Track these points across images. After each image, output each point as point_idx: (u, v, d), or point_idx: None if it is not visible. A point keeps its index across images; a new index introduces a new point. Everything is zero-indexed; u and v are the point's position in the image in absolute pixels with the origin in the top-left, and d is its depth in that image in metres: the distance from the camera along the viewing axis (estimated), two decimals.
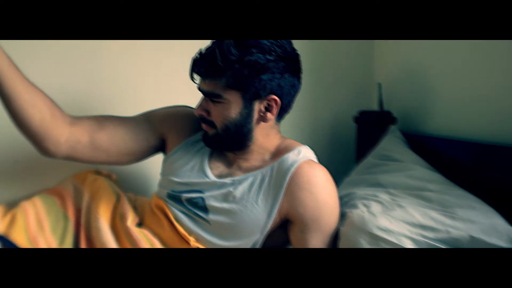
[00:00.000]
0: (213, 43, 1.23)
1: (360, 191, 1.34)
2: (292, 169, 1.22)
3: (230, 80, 1.18)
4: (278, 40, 1.20)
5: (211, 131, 1.26)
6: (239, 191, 1.24)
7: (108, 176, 1.51)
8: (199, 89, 1.25)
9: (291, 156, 1.25)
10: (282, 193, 1.21)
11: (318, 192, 1.21)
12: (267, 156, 1.29)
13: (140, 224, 1.36)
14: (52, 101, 1.23)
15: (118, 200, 1.40)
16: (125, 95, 1.71)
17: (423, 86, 1.77)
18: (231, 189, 1.25)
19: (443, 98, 1.67)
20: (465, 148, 1.47)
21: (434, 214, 1.17)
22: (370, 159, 1.59)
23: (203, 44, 1.27)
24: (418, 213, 1.19)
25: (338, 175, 1.37)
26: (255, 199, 1.23)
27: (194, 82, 1.25)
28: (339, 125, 2.02)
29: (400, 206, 1.23)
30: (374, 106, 1.95)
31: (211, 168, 1.31)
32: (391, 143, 1.62)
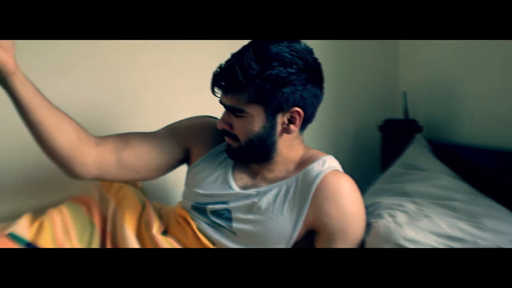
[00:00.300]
0: (232, 57, 1.21)
1: (385, 201, 1.32)
2: (318, 180, 1.21)
3: (252, 95, 1.17)
4: (299, 51, 1.19)
5: (234, 144, 1.26)
6: (264, 202, 1.24)
7: (134, 185, 1.52)
8: (221, 102, 1.24)
9: (316, 167, 1.24)
10: (307, 204, 1.21)
11: (344, 202, 1.20)
12: (291, 167, 1.28)
13: (165, 232, 1.36)
14: (77, 123, 1.23)
15: (143, 208, 1.40)
16: (147, 103, 1.74)
17: (449, 94, 1.75)
18: (255, 200, 1.25)
19: (469, 106, 1.64)
20: (492, 157, 1.45)
21: (462, 224, 1.15)
22: (395, 168, 1.58)
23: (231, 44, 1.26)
24: (445, 223, 1.17)
25: (362, 184, 1.35)
26: (281, 210, 1.22)
27: (216, 96, 1.25)
28: (364, 134, 2.00)
29: (426, 216, 1.21)
30: (399, 115, 1.93)
31: (235, 180, 1.30)
32: (416, 152, 1.60)
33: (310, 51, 1.23)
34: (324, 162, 1.25)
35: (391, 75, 2.05)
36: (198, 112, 1.46)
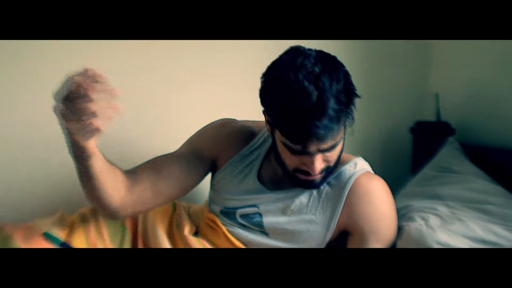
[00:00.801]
0: (319, 101, 1.07)
1: (417, 204, 1.31)
2: (351, 182, 1.22)
3: (343, 123, 1.14)
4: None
5: (322, 174, 1.20)
6: (297, 204, 1.24)
7: None
8: (311, 151, 1.14)
9: (348, 169, 1.24)
10: (341, 206, 1.21)
11: (378, 203, 1.21)
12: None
13: (196, 234, 1.37)
14: (122, 172, 1.22)
15: (174, 209, 1.41)
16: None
17: (482, 96, 1.72)
18: (287, 202, 1.25)
19: (503, 108, 1.62)
20: None
21: (497, 228, 1.13)
22: (427, 171, 1.56)
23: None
24: (479, 227, 1.15)
25: (394, 187, 1.34)
26: (314, 211, 1.23)
27: (306, 152, 1.14)
28: (395, 136, 1.98)
29: (459, 219, 1.19)
30: (431, 117, 1.91)
31: (264, 182, 1.30)
32: (449, 155, 1.58)
33: None
34: (355, 164, 1.26)
35: (423, 77, 2.02)
36: (209, 114, 1.45)
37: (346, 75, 1.12)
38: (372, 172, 1.28)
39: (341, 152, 1.20)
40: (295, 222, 1.23)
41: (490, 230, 1.13)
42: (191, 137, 1.39)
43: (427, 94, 2.00)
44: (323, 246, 1.23)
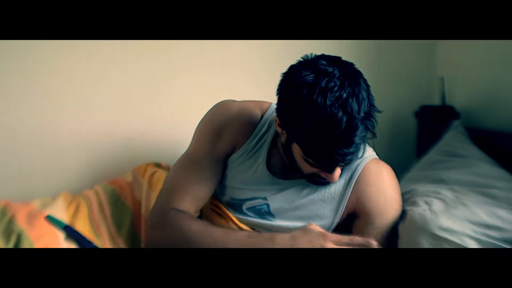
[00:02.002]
0: (347, 128, 1.04)
1: (422, 188, 1.31)
2: (360, 168, 1.24)
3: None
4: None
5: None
6: (305, 191, 1.26)
7: (167, 169, 1.54)
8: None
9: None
10: (350, 191, 1.24)
11: (386, 188, 1.24)
12: None
13: (200, 217, 1.35)
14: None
15: None
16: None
17: (487, 80, 1.71)
18: (297, 191, 1.26)
19: (508, 92, 1.60)
20: None
21: (501, 212, 1.13)
22: (432, 155, 1.55)
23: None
24: (483, 211, 1.14)
25: (399, 171, 1.34)
26: (322, 197, 1.25)
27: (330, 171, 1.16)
28: (400, 120, 1.98)
29: (463, 204, 1.19)
30: (436, 101, 1.90)
31: (273, 172, 1.29)
32: (454, 139, 1.57)
33: None
34: (363, 151, 1.25)
35: (428, 60, 2.01)
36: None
37: (368, 89, 1.08)
38: (378, 158, 1.30)
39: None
40: (304, 209, 1.26)
41: (494, 214, 1.12)
42: (200, 135, 1.34)
43: (432, 78, 1.99)
44: (331, 229, 1.25)
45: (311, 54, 1.12)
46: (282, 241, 1.13)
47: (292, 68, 1.12)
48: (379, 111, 1.10)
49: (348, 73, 1.06)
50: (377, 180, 1.24)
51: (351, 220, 1.26)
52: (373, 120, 1.09)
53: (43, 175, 1.66)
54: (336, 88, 1.02)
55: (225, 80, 1.81)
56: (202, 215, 1.37)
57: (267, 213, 1.28)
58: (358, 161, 1.25)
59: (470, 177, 1.33)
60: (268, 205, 1.28)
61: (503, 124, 1.62)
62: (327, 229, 1.23)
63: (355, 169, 1.24)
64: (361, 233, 1.21)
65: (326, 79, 1.03)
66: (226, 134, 1.30)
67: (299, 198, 1.26)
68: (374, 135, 1.13)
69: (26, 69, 1.60)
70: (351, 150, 1.06)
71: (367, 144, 1.29)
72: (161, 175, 1.47)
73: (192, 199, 1.27)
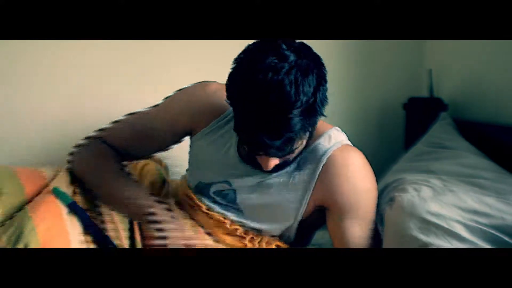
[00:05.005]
0: (277, 119, 0.98)
1: (410, 176, 1.30)
2: (325, 158, 1.18)
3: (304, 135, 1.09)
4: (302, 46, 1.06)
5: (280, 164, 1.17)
6: (269, 180, 1.21)
7: (159, 162, 1.53)
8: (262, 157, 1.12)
9: (321, 143, 1.20)
10: (314, 182, 1.19)
11: (355, 177, 1.18)
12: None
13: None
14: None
15: (163, 185, 1.42)
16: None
17: (475, 71, 1.72)
18: (261, 178, 1.21)
19: (495, 84, 1.61)
20: None
21: (488, 199, 1.13)
22: (420, 146, 1.56)
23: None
24: (471, 198, 1.14)
25: (387, 163, 1.34)
26: (285, 188, 1.20)
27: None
28: (388, 112, 1.98)
29: (451, 191, 1.19)
30: (424, 93, 1.91)
31: (240, 156, 1.24)
32: (442, 130, 1.58)
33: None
34: (330, 138, 1.21)
35: (416, 53, 2.02)
36: None
37: (319, 87, 1.02)
38: (349, 142, 1.24)
39: (312, 131, 1.14)
40: (268, 198, 1.21)
41: (482, 201, 1.13)
42: (169, 102, 1.33)
43: (420, 70, 1.99)
44: (296, 223, 1.23)
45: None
46: (157, 217, 1.16)
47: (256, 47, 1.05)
48: (322, 115, 1.05)
49: (302, 63, 0.99)
50: (345, 170, 1.17)
51: (322, 213, 1.23)
52: (310, 119, 1.02)
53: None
54: (282, 71, 0.96)
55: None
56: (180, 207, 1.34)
57: (233, 200, 1.23)
58: (324, 148, 1.18)
59: (458, 168, 1.33)
60: (235, 193, 1.23)
61: (491, 116, 1.62)
62: (294, 218, 1.21)
63: (321, 157, 1.18)
64: (337, 228, 1.20)
65: (277, 60, 0.97)
66: (193, 110, 1.28)
67: (263, 186, 1.21)
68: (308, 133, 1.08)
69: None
70: (277, 144, 1.00)
71: (338, 130, 1.24)
72: (150, 168, 1.47)
73: (124, 146, 1.29)
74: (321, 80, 1.02)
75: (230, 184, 1.24)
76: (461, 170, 1.32)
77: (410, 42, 1.99)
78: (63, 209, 1.16)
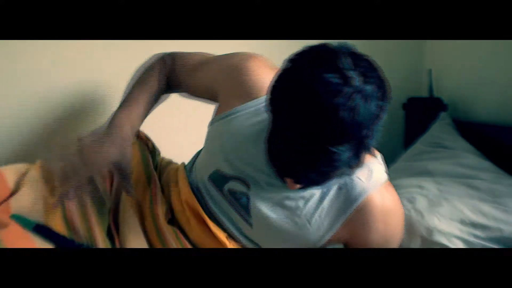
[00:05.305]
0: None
1: (404, 182, 1.31)
2: (361, 198, 1.00)
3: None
4: None
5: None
6: (293, 200, 1.02)
7: (146, 145, 1.28)
8: None
9: (360, 178, 1.01)
10: (343, 221, 1.02)
11: (389, 222, 1.04)
12: None
13: (172, 220, 1.13)
14: None
15: (149, 183, 1.17)
16: None
17: (475, 71, 1.72)
18: (284, 194, 1.02)
19: (495, 84, 1.61)
20: None
21: (485, 207, 1.14)
22: (419, 146, 1.57)
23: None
24: (467, 207, 1.15)
25: (386, 162, 1.34)
26: (309, 217, 1.01)
27: None
28: (387, 112, 1.98)
29: (446, 199, 1.19)
30: (424, 93, 1.91)
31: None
32: (441, 130, 1.58)
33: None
34: (371, 173, 1.03)
35: (416, 52, 2.01)
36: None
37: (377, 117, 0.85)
38: (386, 176, 1.07)
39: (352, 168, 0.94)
40: (285, 222, 1.02)
41: (479, 210, 1.14)
42: (214, 60, 1.22)
43: (419, 70, 1.99)
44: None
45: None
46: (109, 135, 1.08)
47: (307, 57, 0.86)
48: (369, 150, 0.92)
49: (366, 89, 0.82)
50: (381, 216, 1.01)
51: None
52: (357, 156, 0.86)
53: None
54: (341, 95, 0.79)
55: None
56: (172, 213, 1.13)
57: (245, 209, 1.04)
58: (362, 186, 1.00)
59: (456, 168, 1.35)
60: (248, 199, 1.04)
61: (490, 116, 1.63)
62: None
63: (357, 196, 1.00)
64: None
65: (338, 80, 0.80)
66: (230, 78, 1.11)
67: (284, 206, 1.02)
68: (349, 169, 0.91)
69: None
70: (310, 175, 0.87)
71: (380, 161, 1.07)
72: (135, 154, 1.23)
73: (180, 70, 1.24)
74: (381, 112, 0.85)
75: (248, 187, 1.04)
76: (459, 170, 1.34)
77: (410, 42, 1.99)
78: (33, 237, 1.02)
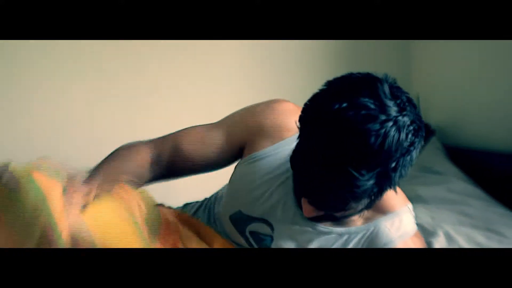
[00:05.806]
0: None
1: None
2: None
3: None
4: None
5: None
6: (316, 243, 0.98)
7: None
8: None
9: (388, 227, 0.97)
10: None
11: None
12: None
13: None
14: None
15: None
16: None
17: (463, 97, 1.74)
18: (307, 237, 0.98)
19: (483, 109, 1.63)
20: (508, 161, 1.44)
21: (479, 237, 1.14)
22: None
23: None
24: (462, 238, 1.14)
25: None
26: None
27: None
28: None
29: (441, 227, 1.19)
30: None
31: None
32: (431, 155, 1.60)
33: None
34: (400, 223, 0.97)
35: (404, 78, 2.01)
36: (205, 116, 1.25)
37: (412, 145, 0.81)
38: (414, 226, 1.01)
39: (373, 203, 0.90)
40: None
41: (474, 241, 1.13)
42: (230, 115, 1.11)
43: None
44: None
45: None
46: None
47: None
48: (393, 187, 0.88)
49: (402, 120, 0.79)
50: None
51: None
52: (379, 188, 0.83)
53: None
54: (375, 120, 0.77)
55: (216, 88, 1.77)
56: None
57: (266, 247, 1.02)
58: (389, 237, 0.96)
59: (446, 194, 1.36)
60: (271, 240, 1.01)
61: (477, 141, 1.64)
62: None
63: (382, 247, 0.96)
64: None
65: (374, 105, 0.78)
66: (255, 126, 1.05)
67: (306, 243, 0.98)
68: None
69: None
70: (328, 196, 0.84)
71: (411, 211, 1.01)
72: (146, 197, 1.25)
73: (179, 151, 1.05)
74: (412, 148, 0.81)
75: (272, 227, 1.01)
76: (449, 196, 1.35)
77: (397, 67, 2.00)
78: None
